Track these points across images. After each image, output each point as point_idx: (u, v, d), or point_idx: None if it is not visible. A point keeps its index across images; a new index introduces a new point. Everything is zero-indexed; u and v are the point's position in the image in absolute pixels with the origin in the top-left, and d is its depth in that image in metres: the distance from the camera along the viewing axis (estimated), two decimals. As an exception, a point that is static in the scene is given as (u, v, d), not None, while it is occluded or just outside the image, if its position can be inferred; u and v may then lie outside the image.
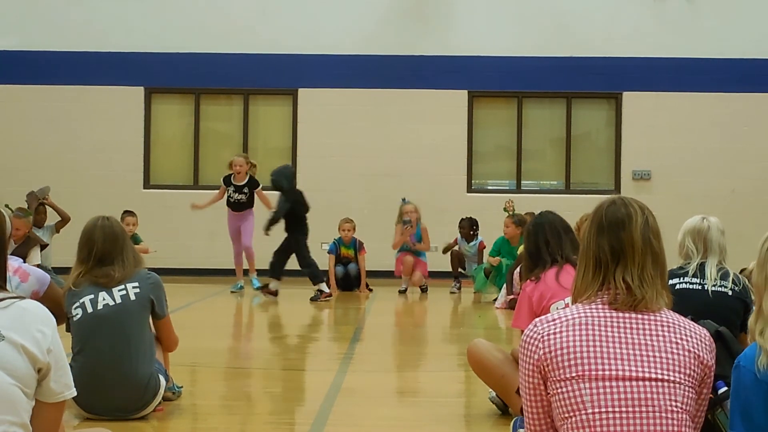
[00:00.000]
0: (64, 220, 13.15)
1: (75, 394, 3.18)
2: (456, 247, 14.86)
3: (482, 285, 13.97)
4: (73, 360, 5.65)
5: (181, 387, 6.28)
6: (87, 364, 5.58)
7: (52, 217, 13.37)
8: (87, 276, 5.66)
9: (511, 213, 13.86)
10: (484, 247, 14.58)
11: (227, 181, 14.14)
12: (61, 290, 5.91)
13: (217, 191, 14.27)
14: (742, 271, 6.18)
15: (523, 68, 16.95)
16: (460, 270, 14.71)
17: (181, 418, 5.86)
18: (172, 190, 16.93)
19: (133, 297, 5.65)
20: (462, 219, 14.98)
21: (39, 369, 3.06)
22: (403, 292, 14.41)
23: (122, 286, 5.66)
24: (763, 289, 3.20)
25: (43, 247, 11.86)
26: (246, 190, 14.08)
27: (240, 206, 14.09)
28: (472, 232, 14.82)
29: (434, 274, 16.32)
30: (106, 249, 5.68)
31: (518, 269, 11.83)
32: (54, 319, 3.13)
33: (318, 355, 8.88)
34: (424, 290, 14.58)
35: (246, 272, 14.41)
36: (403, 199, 14.86)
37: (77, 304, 5.64)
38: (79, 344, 5.66)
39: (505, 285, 12.52)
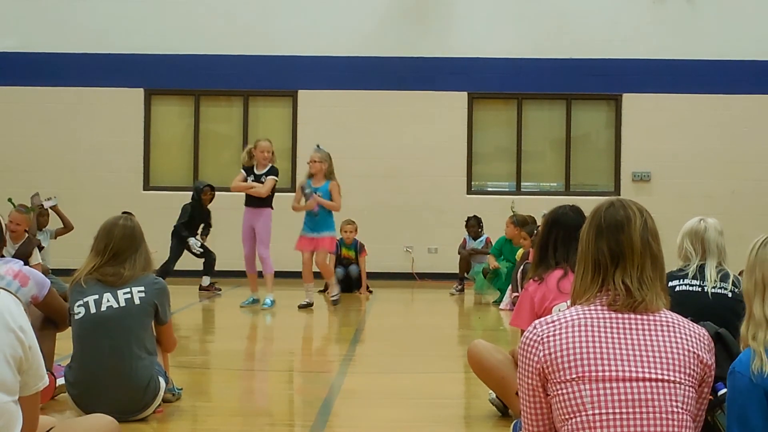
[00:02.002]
0: (67, 228, 13.17)
1: (48, 383, 3.17)
2: (465, 247, 14.93)
3: (481, 286, 14.01)
4: (73, 359, 5.65)
5: (181, 389, 6.29)
6: (87, 365, 5.58)
7: (53, 223, 13.39)
8: (97, 272, 5.68)
9: (511, 214, 13.86)
10: (492, 243, 14.63)
11: (248, 170, 12.13)
12: (60, 298, 5.94)
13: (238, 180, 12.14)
14: (741, 273, 6.18)
15: (523, 70, 16.96)
16: (465, 274, 14.76)
17: (181, 420, 5.86)
18: (172, 192, 16.93)
19: (137, 301, 5.66)
20: (469, 218, 15.07)
21: (22, 371, 3.05)
22: (305, 306, 12.09)
23: (127, 289, 5.67)
24: (753, 294, 3.23)
25: (40, 248, 11.88)
26: (264, 180, 12.03)
27: (256, 200, 12.01)
28: (479, 229, 14.95)
29: (433, 276, 16.34)
30: (122, 246, 5.73)
31: (521, 269, 11.88)
32: (25, 314, 3.11)
33: (318, 357, 8.88)
34: (334, 302, 12.43)
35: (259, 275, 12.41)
36: (317, 146, 12.49)
37: (80, 302, 5.65)
38: (80, 344, 5.67)
39: (510, 286, 12.54)
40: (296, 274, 14.54)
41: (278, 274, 12.48)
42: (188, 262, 16.15)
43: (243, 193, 12.10)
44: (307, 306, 12.09)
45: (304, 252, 12.15)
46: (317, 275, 12.44)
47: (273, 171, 12.02)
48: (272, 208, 12.06)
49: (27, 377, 3.06)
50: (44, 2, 17.09)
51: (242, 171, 12.10)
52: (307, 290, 12.23)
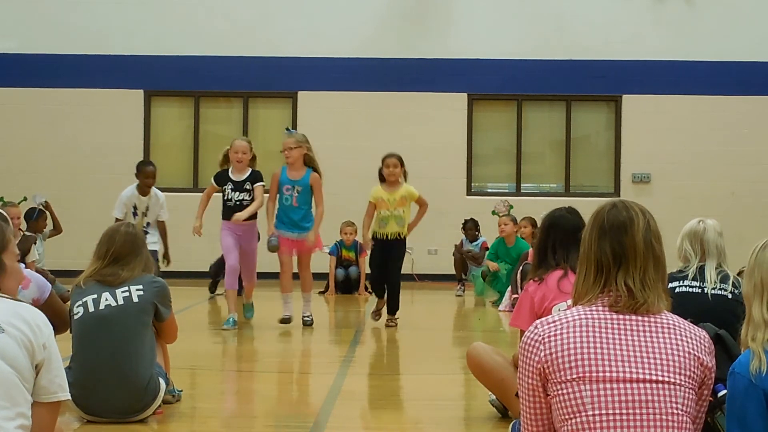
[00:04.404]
0: (57, 230, 13.19)
1: (69, 397, 3.17)
2: (460, 250, 14.96)
3: (481, 289, 14.02)
4: (72, 360, 5.66)
5: (181, 390, 6.29)
6: (86, 364, 5.59)
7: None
8: (96, 275, 5.73)
9: (505, 213, 13.80)
10: (487, 247, 14.65)
11: (221, 177, 10.32)
12: (61, 301, 5.98)
13: (202, 195, 10.73)
14: (740, 273, 6.18)
15: (523, 71, 16.96)
16: (463, 275, 14.78)
17: (181, 422, 5.86)
18: (172, 193, 16.88)
19: (135, 299, 5.68)
20: (466, 221, 15.08)
21: (36, 365, 3.07)
22: (287, 320, 10.28)
23: (126, 288, 5.69)
24: (753, 296, 3.24)
25: (34, 242, 11.92)
26: (249, 186, 10.17)
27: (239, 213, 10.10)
28: (476, 232, 14.97)
29: (433, 277, 16.34)
30: (123, 251, 5.78)
31: (520, 269, 11.93)
32: (50, 324, 3.14)
33: (318, 358, 8.88)
34: (307, 323, 10.32)
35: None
36: (287, 129, 10.64)
37: (79, 302, 5.68)
38: (79, 343, 5.68)
39: (509, 288, 12.57)
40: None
41: (271, 276, 12.34)
42: (190, 263, 16.18)
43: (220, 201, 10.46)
44: (287, 321, 10.27)
45: (283, 255, 10.19)
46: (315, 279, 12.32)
47: (258, 177, 10.19)
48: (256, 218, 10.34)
49: (44, 379, 3.08)
50: (44, 4, 17.08)
51: (213, 182, 10.45)
52: (286, 301, 10.35)
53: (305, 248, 10.24)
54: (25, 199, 12.54)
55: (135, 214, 11.34)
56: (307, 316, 10.39)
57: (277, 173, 10.19)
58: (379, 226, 10.56)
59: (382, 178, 10.71)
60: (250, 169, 10.25)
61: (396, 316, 10.65)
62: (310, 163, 10.22)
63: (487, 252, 14.16)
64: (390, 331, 10.02)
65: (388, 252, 10.51)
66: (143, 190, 11.56)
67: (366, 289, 14.68)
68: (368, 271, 14.89)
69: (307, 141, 10.20)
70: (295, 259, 10.42)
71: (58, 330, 6.03)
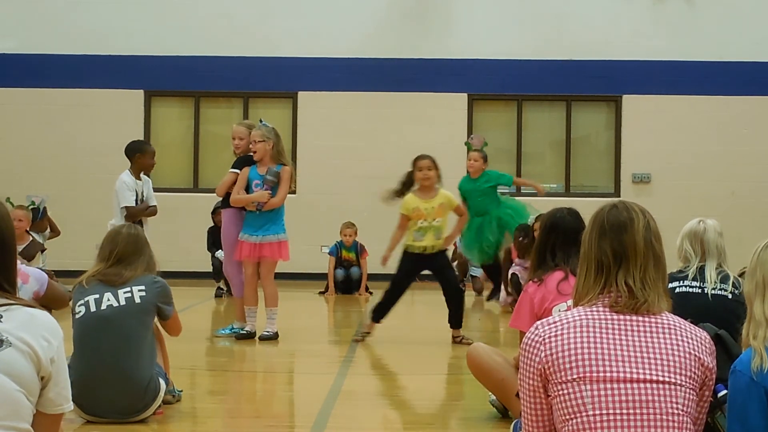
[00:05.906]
0: (56, 232, 13.17)
1: (72, 408, 3.17)
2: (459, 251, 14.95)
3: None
4: (73, 359, 5.66)
5: (181, 390, 6.29)
6: (87, 364, 5.60)
7: None
8: (99, 274, 5.76)
9: (478, 148, 13.23)
10: None
11: None
12: (59, 285, 6.05)
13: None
14: (741, 274, 6.18)
15: (523, 71, 16.96)
16: (463, 277, 14.78)
17: (181, 422, 5.86)
18: (172, 193, 16.92)
19: (137, 300, 5.70)
20: None
21: (42, 377, 3.06)
22: (245, 336, 9.37)
23: (128, 288, 5.72)
24: (754, 295, 3.25)
25: (43, 250, 11.89)
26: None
27: (224, 200, 9.70)
28: None
29: (433, 277, 16.30)
30: (127, 252, 5.83)
31: (509, 275, 12.05)
32: (61, 331, 3.13)
33: (318, 358, 8.88)
34: (265, 337, 9.31)
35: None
36: (260, 121, 9.73)
37: (81, 302, 5.71)
38: (80, 343, 5.70)
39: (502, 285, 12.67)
40: (290, 275, 14.48)
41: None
42: (190, 263, 16.19)
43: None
44: (247, 336, 9.41)
45: (247, 264, 9.35)
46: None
47: (234, 163, 9.59)
48: (236, 208, 9.48)
49: (52, 392, 3.07)
50: (44, 4, 17.09)
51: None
52: (249, 315, 9.50)
53: (268, 254, 9.31)
54: (33, 203, 12.51)
55: (137, 201, 9.82)
56: (267, 332, 9.39)
57: (246, 170, 9.40)
58: (414, 239, 9.42)
59: (408, 184, 9.76)
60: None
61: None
62: (279, 159, 9.36)
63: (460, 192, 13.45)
64: (389, 331, 10.02)
65: (426, 266, 9.61)
66: (138, 174, 9.87)
67: (367, 289, 14.66)
68: (371, 271, 14.88)
69: (276, 136, 9.39)
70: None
71: (62, 306, 6.18)
